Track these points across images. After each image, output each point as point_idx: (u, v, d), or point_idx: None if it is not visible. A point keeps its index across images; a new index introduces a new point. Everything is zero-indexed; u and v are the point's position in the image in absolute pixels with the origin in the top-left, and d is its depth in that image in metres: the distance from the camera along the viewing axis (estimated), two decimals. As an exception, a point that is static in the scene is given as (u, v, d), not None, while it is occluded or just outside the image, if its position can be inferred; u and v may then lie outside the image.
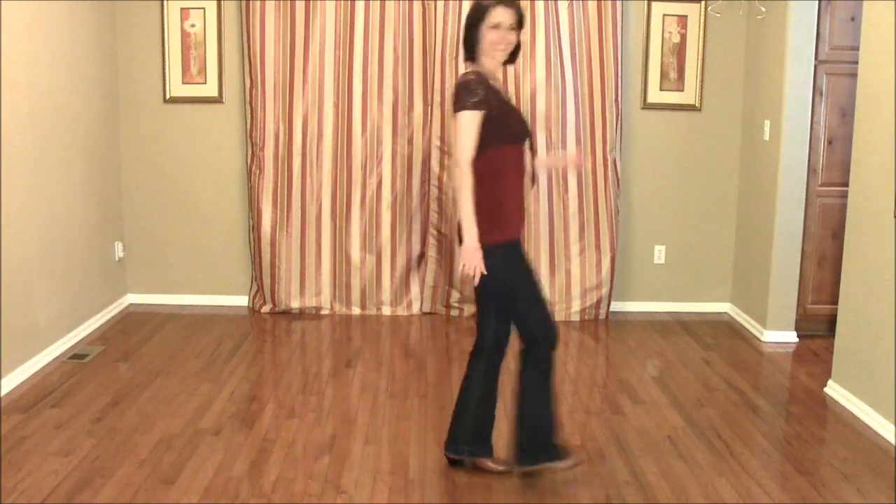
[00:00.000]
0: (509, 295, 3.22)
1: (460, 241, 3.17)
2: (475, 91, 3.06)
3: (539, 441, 3.27)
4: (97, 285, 5.29)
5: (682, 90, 5.64)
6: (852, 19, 4.91)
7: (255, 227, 5.60)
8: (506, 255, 3.14)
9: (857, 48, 4.41)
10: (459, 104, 3.07)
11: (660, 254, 5.83)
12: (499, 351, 3.35)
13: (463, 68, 5.33)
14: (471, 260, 3.07)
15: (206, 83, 5.57)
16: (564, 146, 5.49)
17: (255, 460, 3.45)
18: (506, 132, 3.13)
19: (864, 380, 4.05)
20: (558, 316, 5.59)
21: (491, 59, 3.18)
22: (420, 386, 4.36)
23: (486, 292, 3.25)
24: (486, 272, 3.08)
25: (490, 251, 3.09)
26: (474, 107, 3.04)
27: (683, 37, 5.59)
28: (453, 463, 3.40)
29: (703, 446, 3.67)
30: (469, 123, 3.05)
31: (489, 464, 3.36)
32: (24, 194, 4.34)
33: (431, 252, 5.65)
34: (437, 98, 5.45)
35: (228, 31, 5.54)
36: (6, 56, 4.11)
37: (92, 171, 5.19)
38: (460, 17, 5.36)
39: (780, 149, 5.03)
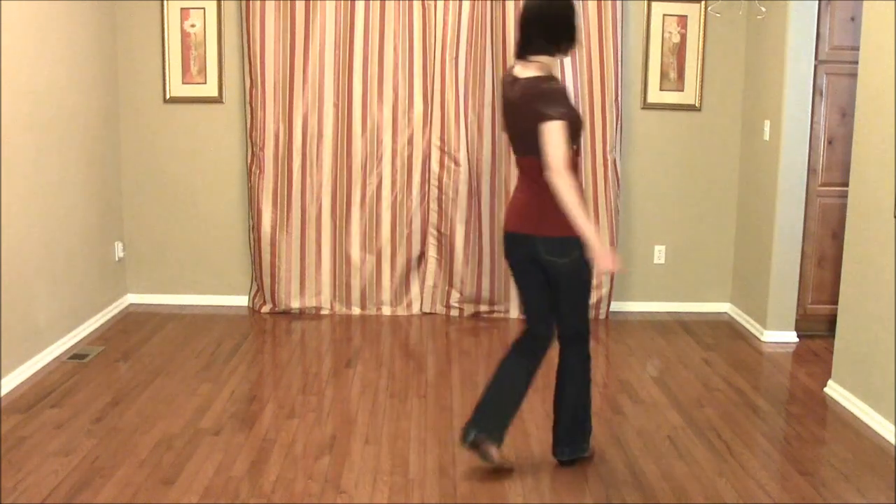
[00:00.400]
0: (585, 286, 3.35)
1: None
2: (562, 102, 3.19)
3: (585, 430, 3.47)
4: (97, 285, 5.29)
5: (682, 90, 5.64)
6: (852, 19, 4.91)
7: (255, 227, 5.60)
8: (585, 247, 3.24)
9: (857, 48, 4.41)
10: (548, 114, 3.13)
11: (660, 254, 5.83)
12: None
13: (463, 68, 5.38)
14: (606, 257, 3.19)
15: (206, 83, 5.57)
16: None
17: (255, 460, 3.45)
18: (574, 137, 3.24)
19: (864, 380, 4.05)
20: (558, 316, 5.60)
21: (563, 56, 3.33)
22: (420, 386, 4.36)
23: (572, 286, 3.34)
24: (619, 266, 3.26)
25: (578, 244, 3.20)
26: (561, 117, 3.13)
27: (683, 37, 5.59)
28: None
29: (703, 446, 3.67)
30: (560, 133, 3.13)
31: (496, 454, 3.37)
32: (24, 194, 4.34)
33: (431, 252, 5.65)
34: (437, 98, 5.45)
35: (228, 31, 5.54)
36: (6, 56, 4.11)
37: (92, 171, 5.19)
38: (460, 17, 5.36)
39: (780, 149, 5.03)
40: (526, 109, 3.19)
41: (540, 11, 3.25)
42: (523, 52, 3.27)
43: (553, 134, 3.11)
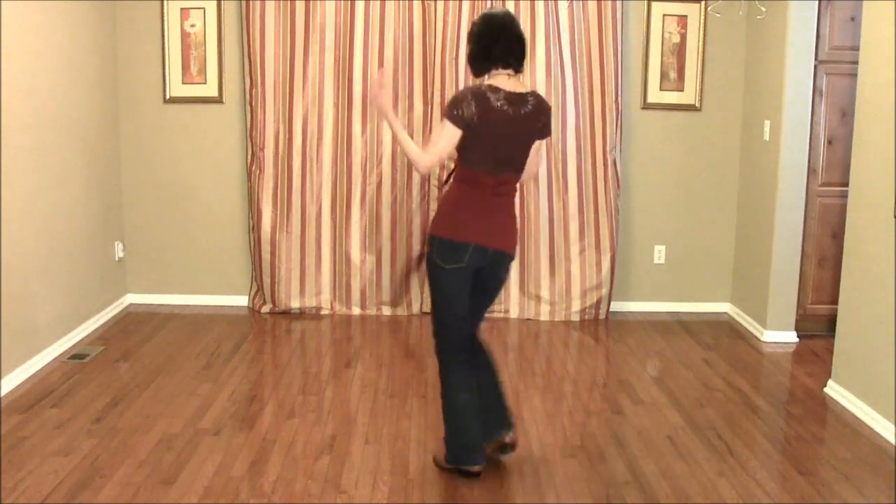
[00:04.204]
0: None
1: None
2: None
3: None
4: (97, 285, 5.29)
5: (682, 90, 5.64)
6: (852, 19, 4.91)
7: (255, 227, 5.60)
8: None
9: (857, 48, 4.41)
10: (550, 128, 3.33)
11: (660, 254, 5.83)
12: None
13: (463, 69, 5.38)
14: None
15: (206, 83, 5.57)
16: (564, 146, 5.50)
17: (255, 460, 3.46)
18: None
19: (864, 380, 4.05)
20: (558, 316, 5.60)
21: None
22: (420, 386, 4.36)
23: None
24: None
25: None
26: None
27: (683, 37, 5.59)
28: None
29: (703, 446, 3.67)
30: None
31: None
32: (25, 194, 4.34)
33: (431, 252, 5.64)
34: (437, 98, 5.45)
35: (228, 31, 5.54)
36: (6, 56, 4.11)
37: (92, 171, 5.19)
38: (460, 17, 5.36)
39: (780, 149, 5.03)
40: (534, 126, 3.20)
41: (516, 26, 3.19)
42: (517, 66, 3.16)
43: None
